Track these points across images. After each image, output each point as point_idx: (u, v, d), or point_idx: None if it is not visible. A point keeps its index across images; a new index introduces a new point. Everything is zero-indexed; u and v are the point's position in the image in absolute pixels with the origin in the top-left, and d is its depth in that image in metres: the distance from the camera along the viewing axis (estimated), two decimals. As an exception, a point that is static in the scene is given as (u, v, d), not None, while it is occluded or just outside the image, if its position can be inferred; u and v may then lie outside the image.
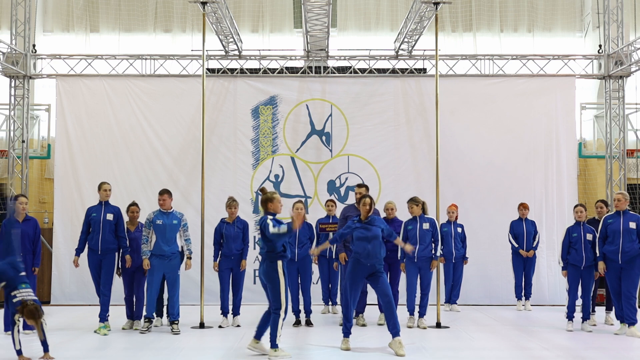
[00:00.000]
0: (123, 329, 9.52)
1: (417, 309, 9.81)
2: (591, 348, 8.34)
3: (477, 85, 13.05)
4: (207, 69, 12.70)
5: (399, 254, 9.72)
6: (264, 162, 12.89)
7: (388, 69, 13.16)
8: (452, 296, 11.76)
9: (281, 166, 12.91)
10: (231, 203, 9.86)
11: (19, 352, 7.13)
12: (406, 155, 12.87)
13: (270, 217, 7.55)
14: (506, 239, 11.88)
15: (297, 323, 9.83)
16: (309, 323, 9.86)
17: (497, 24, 14.24)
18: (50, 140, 13.53)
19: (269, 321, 7.60)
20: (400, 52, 13.09)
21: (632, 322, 9.12)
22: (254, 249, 12.14)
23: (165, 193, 9.38)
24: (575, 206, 9.82)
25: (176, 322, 9.23)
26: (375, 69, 13.19)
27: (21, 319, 7.09)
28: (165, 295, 9.60)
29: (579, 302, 9.58)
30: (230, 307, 9.91)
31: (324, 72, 13.12)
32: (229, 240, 9.71)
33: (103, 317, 9.26)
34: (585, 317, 9.59)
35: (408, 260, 9.67)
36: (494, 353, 8.08)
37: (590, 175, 13.79)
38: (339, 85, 13.06)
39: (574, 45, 14.16)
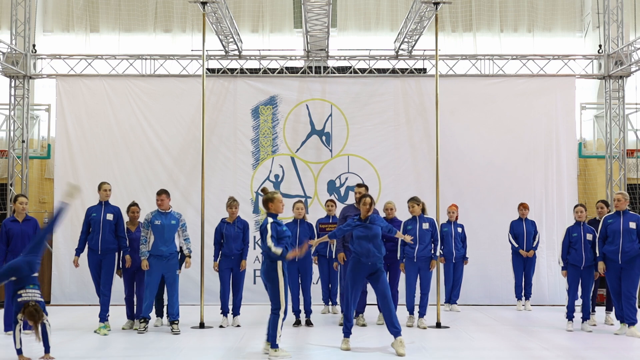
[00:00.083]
0: (123, 329, 9.52)
1: (416, 309, 9.83)
2: (591, 348, 8.34)
3: (477, 85, 13.05)
4: (207, 69, 12.70)
5: (399, 254, 9.73)
6: (264, 162, 12.89)
7: (388, 69, 13.15)
8: (452, 296, 11.76)
9: (281, 166, 12.91)
10: (232, 203, 9.86)
11: (19, 352, 7.15)
12: (406, 155, 12.87)
13: (271, 220, 7.52)
14: (506, 239, 11.88)
15: (297, 323, 9.83)
16: (309, 323, 9.86)
17: (497, 24, 14.23)
18: (50, 140, 13.53)
19: None
20: (400, 52, 13.09)
21: (632, 322, 9.12)
22: (254, 249, 12.15)
23: (163, 193, 9.37)
24: (576, 206, 9.82)
25: (176, 322, 9.23)
26: (375, 69, 13.19)
27: (23, 319, 7.11)
28: (165, 296, 9.61)
29: (578, 302, 9.59)
30: (231, 307, 9.91)
31: (324, 72, 13.12)
32: (229, 240, 9.71)
33: (103, 317, 9.26)
34: (585, 317, 9.59)
35: (407, 260, 9.67)
36: (494, 353, 8.08)
37: (590, 175, 13.78)
38: (339, 85, 13.06)
39: (574, 45, 14.15)
